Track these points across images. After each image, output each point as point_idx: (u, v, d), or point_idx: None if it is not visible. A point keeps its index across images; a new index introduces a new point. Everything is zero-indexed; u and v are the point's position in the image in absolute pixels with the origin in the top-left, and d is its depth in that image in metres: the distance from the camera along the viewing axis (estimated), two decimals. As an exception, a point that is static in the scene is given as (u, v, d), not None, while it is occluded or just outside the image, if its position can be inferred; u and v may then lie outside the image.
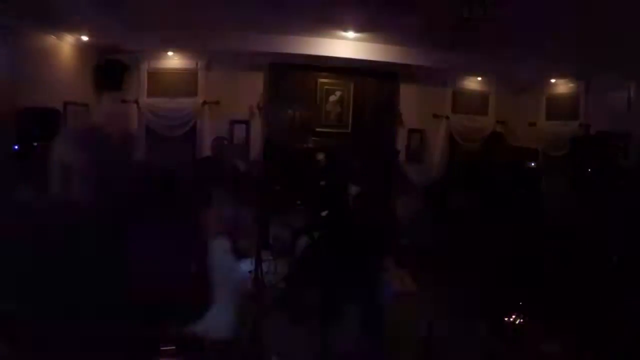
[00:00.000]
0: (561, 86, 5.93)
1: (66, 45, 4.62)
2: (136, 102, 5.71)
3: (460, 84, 6.71)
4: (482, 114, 6.80)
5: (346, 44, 5.46)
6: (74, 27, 4.26)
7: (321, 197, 5.17)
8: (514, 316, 3.93)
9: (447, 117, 6.62)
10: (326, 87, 6.31)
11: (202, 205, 4.04)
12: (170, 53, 5.77)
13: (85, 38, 4.59)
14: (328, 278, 4.09)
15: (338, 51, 5.49)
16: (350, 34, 5.16)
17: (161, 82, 5.84)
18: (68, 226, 1.16)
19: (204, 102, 5.84)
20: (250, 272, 4.90)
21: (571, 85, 5.74)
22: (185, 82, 5.89)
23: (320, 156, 5.31)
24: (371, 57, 5.60)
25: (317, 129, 6.28)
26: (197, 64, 5.89)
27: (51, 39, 4.33)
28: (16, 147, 3.50)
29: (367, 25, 4.74)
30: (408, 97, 6.49)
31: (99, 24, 4.38)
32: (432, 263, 4.84)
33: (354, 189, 3.68)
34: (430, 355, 2.77)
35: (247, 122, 6.07)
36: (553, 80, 5.99)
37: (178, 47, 5.63)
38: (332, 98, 6.34)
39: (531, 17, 3.60)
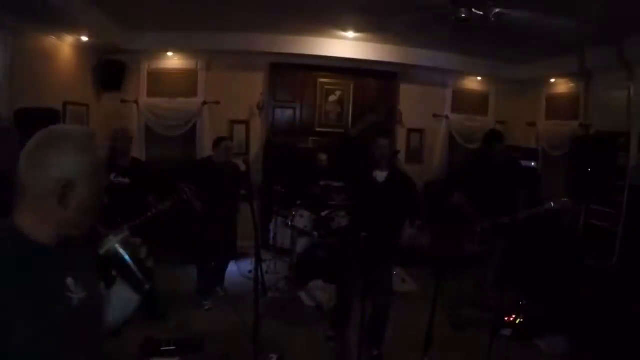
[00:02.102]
0: (561, 86, 5.93)
1: (66, 45, 4.62)
2: (136, 102, 5.72)
3: (460, 84, 6.71)
4: (482, 114, 6.81)
5: (346, 44, 5.47)
6: (74, 27, 4.25)
7: (321, 197, 5.18)
8: (514, 316, 3.93)
9: (447, 117, 6.63)
10: (326, 87, 6.32)
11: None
12: (170, 53, 5.78)
13: (85, 38, 4.58)
14: (327, 277, 4.09)
15: (338, 51, 5.50)
16: (350, 34, 5.16)
17: (161, 82, 5.84)
18: None
19: (204, 102, 5.84)
20: (250, 272, 4.91)
21: (571, 85, 5.73)
22: (185, 82, 5.89)
23: (323, 157, 5.31)
24: (371, 57, 5.61)
25: (317, 129, 6.28)
26: (197, 64, 5.90)
27: (51, 39, 4.33)
28: (16, 147, 3.50)
29: (367, 25, 4.74)
30: (408, 97, 6.49)
31: (99, 24, 4.38)
32: (432, 262, 4.85)
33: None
34: (430, 355, 2.76)
35: (247, 122, 6.08)
36: (553, 80, 5.99)
37: (178, 47, 5.63)
38: (332, 98, 6.35)
39: (531, 16, 3.59)
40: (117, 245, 1.23)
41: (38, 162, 1.04)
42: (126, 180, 3.58)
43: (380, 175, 3.34)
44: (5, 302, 0.94)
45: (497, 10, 3.12)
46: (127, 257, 1.23)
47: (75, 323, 1.09)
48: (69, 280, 1.11)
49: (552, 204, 3.67)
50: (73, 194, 1.05)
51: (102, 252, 1.22)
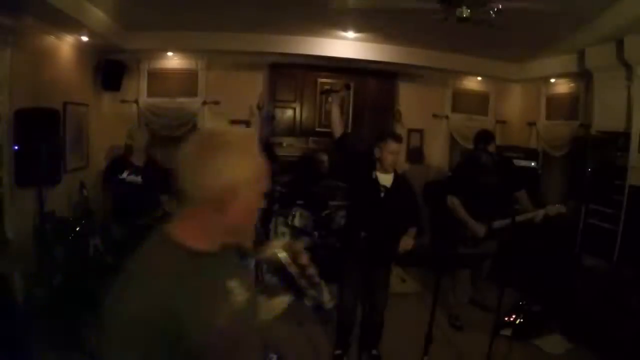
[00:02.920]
0: (561, 86, 5.92)
1: (66, 45, 4.61)
2: (136, 102, 5.72)
3: (460, 84, 6.71)
4: (482, 114, 6.80)
5: (346, 44, 5.46)
6: (74, 27, 4.25)
7: (321, 197, 5.18)
8: (514, 316, 3.93)
9: (447, 117, 6.62)
10: (326, 87, 6.30)
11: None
12: (170, 53, 5.77)
13: (85, 38, 4.58)
14: (328, 277, 4.07)
15: (338, 51, 5.49)
16: (350, 34, 5.16)
17: (161, 82, 5.83)
18: None
19: (204, 102, 5.84)
20: (250, 272, 4.91)
21: (571, 85, 5.73)
22: (185, 82, 5.89)
23: (324, 157, 5.31)
24: (371, 57, 5.60)
25: (317, 129, 6.28)
26: (197, 64, 5.89)
27: (51, 39, 4.32)
28: (16, 147, 3.51)
29: (367, 25, 4.74)
30: (408, 97, 6.48)
31: (99, 24, 4.37)
32: (432, 263, 4.84)
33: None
34: (430, 355, 2.77)
35: (247, 122, 6.07)
36: (553, 80, 5.99)
37: (178, 47, 5.63)
38: (332, 98, 6.33)
39: (531, 16, 3.60)
40: (278, 251, 1.22)
41: (200, 168, 0.98)
42: (139, 179, 3.60)
43: (385, 178, 3.32)
44: (176, 312, 0.92)
45: (496, 8, 3.11)
46: (288, 263, 1.22)
47: (241, 324, 1.08)
48: (233, 283, 1.09)
49: (547, 211, 3.65)
50: (236, 201, 0.99)
51: (263, 257, 1.22)
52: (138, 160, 3.67)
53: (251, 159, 1.02)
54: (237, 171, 0.98)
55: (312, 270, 1.25)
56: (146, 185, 3.63)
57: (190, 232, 1.01)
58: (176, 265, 0.97)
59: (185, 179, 0.99)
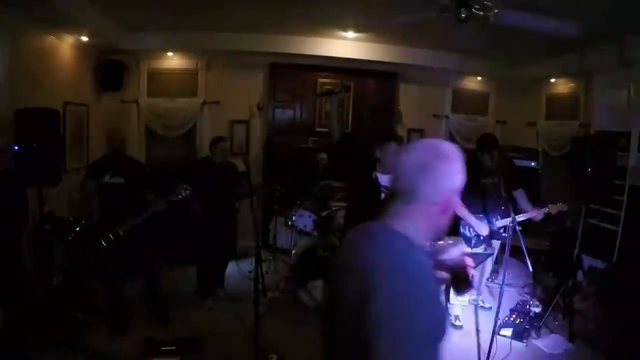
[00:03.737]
0: (561, 86, 5.93)
1: (66, 45, 4.62)
2: (136, 102, 5.72)
3: (460, 84, 6.71)
4: (482, 114, 6.80)
5: (346, 44, 5.46)
6: (74, 27, 4.25)
7: (321, 197, 5.18)
8: (514, 316, 3.94)
9: (447, 117, 6.62)
10: (326, 87, 6.30)
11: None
12: (170, 53, 5.77)
13: (85, 38, 4.58)
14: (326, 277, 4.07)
15: (338, 51, 5.49)
16: (350, 34, 5.16)
17: (161, 82, 5.84)
18: None
19: (204, 102, 5.84)
20: (250, 272, 4.91)
21: (571, 85, 5.73)
22: (185, 82, 5.90)
23: (323, 156, 5.31)
24: (371, 57, 5.60)
25: (317, 129, 6.28)
26: (197, 64, 5.89)
27: (51, 39, 4.33)
28: (16, 147, 3.50)
29: (367, 26, 4.74)
30: (408, 97, 6.48)
31: (99, 24, 4.38)
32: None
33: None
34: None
35: (247, 122, 6.07)
36: (553, 80, 5.99)
37: (178, 47, 5.63)
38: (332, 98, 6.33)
39: (530, 16, 3.59)
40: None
41: (435, 174, 1.14)
42: (121, 180, 3.57)
43: (386, 179, 3.31)
44: (424, 300, 1.03)
45: (497, 10, 3.11)
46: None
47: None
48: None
49: (549, 209, 3.67)
50: (451, 204, 1.18)
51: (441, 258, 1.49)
52: (118, 161, 3.62)
53: (462, 171, 1.19)
54: (457, 179, 1.17)
55: (472, 271, 1.49)
56: (129, 186, 3.59)
57: (411, 228, 1.14)
58: (416, 256, 1.11)
59: (415, 182, 1.13)
